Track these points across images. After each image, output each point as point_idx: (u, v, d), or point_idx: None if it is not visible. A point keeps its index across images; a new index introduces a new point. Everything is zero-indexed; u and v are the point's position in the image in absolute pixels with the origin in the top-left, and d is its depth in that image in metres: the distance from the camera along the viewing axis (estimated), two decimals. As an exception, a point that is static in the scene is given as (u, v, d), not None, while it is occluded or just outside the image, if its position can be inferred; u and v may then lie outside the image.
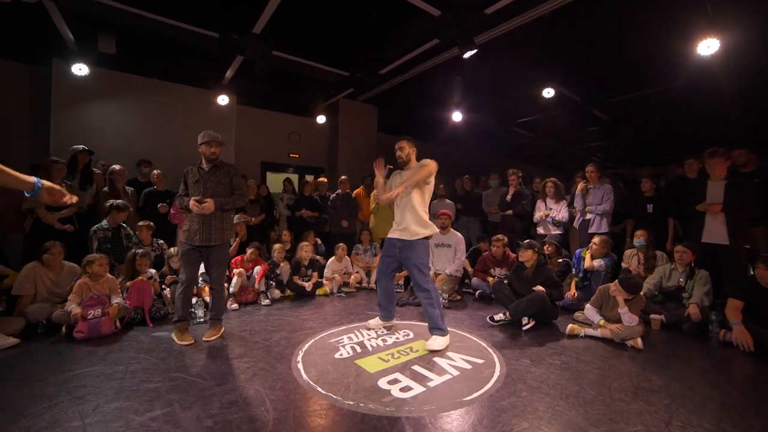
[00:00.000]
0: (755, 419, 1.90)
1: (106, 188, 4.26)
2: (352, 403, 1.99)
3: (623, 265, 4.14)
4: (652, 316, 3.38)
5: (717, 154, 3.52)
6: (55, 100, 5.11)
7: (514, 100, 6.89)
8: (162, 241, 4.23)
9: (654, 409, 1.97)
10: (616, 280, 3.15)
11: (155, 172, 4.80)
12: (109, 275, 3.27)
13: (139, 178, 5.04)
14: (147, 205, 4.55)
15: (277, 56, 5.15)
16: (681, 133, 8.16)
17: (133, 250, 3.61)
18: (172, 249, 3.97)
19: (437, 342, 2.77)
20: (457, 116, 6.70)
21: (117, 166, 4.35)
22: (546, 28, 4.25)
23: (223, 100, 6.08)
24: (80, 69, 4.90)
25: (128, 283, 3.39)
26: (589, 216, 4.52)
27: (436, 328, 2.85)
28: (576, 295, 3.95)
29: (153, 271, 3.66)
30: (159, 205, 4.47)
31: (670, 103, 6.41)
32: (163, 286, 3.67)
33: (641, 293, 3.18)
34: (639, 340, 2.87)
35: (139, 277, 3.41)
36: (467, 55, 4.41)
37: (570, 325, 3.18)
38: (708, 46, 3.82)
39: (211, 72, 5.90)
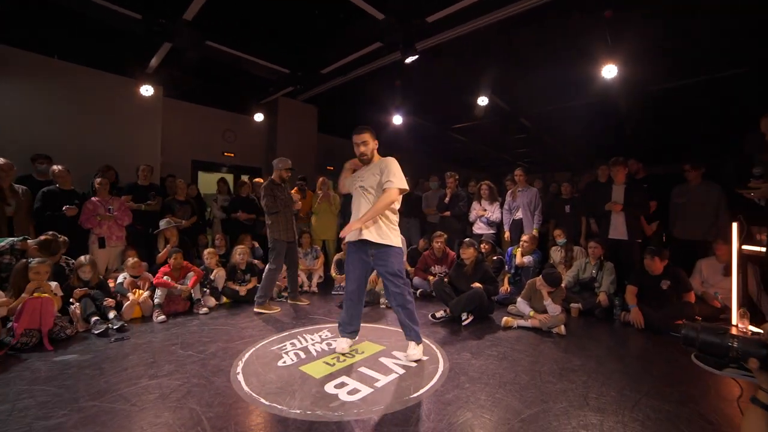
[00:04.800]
0: (646, 382, 2.31)
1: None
2: (298, 411, 1.92)
3: (550, 260, 4.61)
4: (572, 304, 3.81)
5: (618, 162, 4.13)
6: None
7: (451, 105, 7.26)
8: (72, 260, 3.52)
9: (575, 387, 2.22)
10: (540, 275, 3.49)
11: (56, 167, 4.08)
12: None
13: (35, 176, 4.26)
14: (46, 207, 3.86)
15: (211, 47, 4.80)
16: (592, 143, 9.31)
17: (25, 260, 3.02)
18: (82, 257, 3.44)
19: (420, 350, 2.65)
20: (397, 119, 6.85)
21: (1, 160, 3.65)
22: (481, 41, 4.56)
23: (146, 90, 5.44)
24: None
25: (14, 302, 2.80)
26: (518, 216, 4.93)
27: (418, 336, 2.67)
28: (509, 289, 4.28)
29: (55, 284, 3.11)
30: (65, 208, 3.82)
31: (584, 115, 7.27)
32: (71, 301, 3.17)
33: (563, 285, 3.56)
34: (562, 327, 3.21)
35: (36, 294, 2.85)
36: (409, 60, 4.55)
37: (504, 318, 3.44)
38: (609, 71, 4.43)
39: (133, 58, 5.25)
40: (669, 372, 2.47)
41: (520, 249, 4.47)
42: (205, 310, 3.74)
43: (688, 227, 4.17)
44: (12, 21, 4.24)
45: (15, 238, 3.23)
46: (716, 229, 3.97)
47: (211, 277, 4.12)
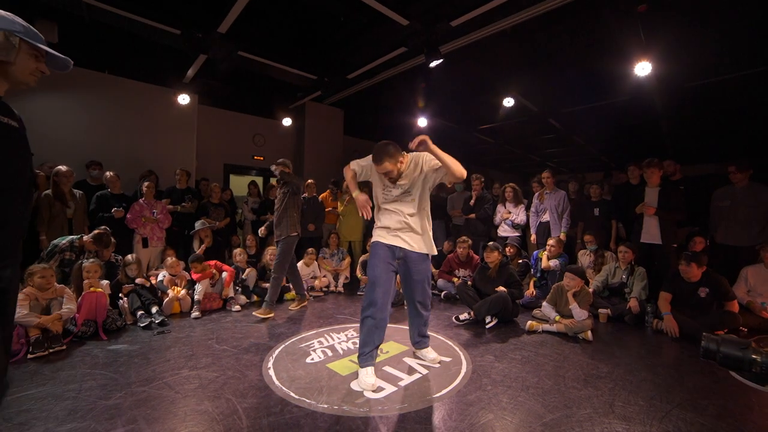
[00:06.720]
0: (678, 393, 2.22)
1: (48, 191, 3.92)
2: (326, 406, 2.02)
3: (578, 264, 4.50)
4: (600, 310, 3.71)
5: (653, 164, 3.96)
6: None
7: (477, 107, 7.20)
8: (120, 257, 3.84)
9: (600, 393, 2.19)
10: (566, 272, 3.45)
11: (108, 174, 4.50)
12: (58, 285, 3.03)
13: (89, 181, 4.70)
14: (99, 209, 4.26)
15: (242, 56, 5.04)
16: (624, 143, 8.94)
17: (80, 261, 3.36)
18: (129, 256, 3.75)
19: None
20: (422, 121, 6.88)
21: (63, 167, 4.03)
22: (507, 42, 4.53)
23: (183, 99, 5.82)
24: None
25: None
26: (545, 218, 4.85)
27: (427, 338, 2.74)
28: (534, 293, 4.23)
29: (105, 282, 3.42)
30: (114, 210, 4.20)
31: (615, 115, 7.01)
32: (120, 296, 3.46)
33: (590, 290, 3.49)
34: (589, 333, 3.15)
35: (91, 288, 3.17)
36: (433, 63, 4.58)
37: (529, 322, 3.41)
38: (643, 68, 4.27)
39: (171, 70, 5.63)
40: (705, 384, 2.36)
41: (546, 252, 4.40)
42: (237, 307, 3.95)
43: (732, 232, 3.94)
44: (70, 41, 4.63)
45: (74, 236, 3.59)
46: (765, 234, 3.74)
47: (243, 276, 4.34)
